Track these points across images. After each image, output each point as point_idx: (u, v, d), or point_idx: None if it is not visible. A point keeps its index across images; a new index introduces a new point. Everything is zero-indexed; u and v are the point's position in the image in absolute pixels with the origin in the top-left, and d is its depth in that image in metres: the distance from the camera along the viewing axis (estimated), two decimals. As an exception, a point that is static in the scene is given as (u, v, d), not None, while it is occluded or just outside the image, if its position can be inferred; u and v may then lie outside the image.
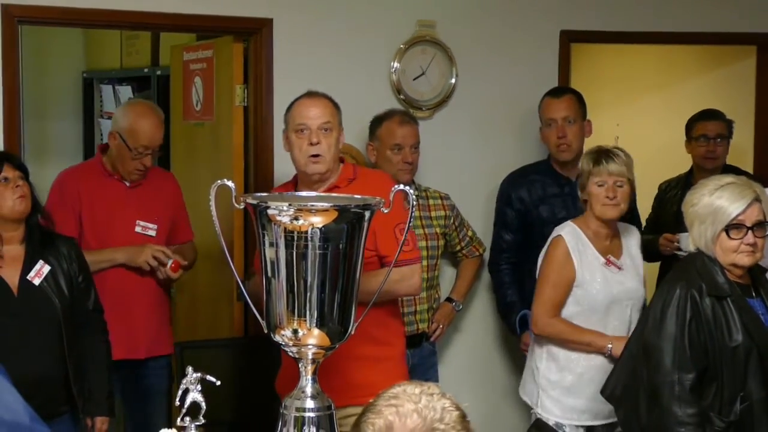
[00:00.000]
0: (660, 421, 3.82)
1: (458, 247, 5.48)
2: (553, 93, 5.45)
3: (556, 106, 5.35)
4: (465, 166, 5.70)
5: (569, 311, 4.55)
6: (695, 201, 3.93)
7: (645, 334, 3.91)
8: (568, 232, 4.56)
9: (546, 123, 5.37)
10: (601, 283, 4.52)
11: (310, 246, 3.17)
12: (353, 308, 3.30)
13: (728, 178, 3.95)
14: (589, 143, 5.53)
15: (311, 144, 4.03)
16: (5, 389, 2.60)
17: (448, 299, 5.48)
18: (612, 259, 4.56)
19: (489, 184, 5.61)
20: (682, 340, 3.79)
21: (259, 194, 3.74)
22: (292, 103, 4.20)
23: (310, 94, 4.19)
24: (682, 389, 3.77)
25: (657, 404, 3.83)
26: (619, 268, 4.57)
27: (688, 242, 4.04)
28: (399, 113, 5.27)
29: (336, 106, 4.16)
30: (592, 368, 4.52)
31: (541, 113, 5.41)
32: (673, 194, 5.86)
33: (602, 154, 4.52)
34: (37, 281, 4.28)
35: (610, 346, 4.46)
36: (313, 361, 3.28)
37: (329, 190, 4.09)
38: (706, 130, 5.83)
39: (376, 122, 5.23)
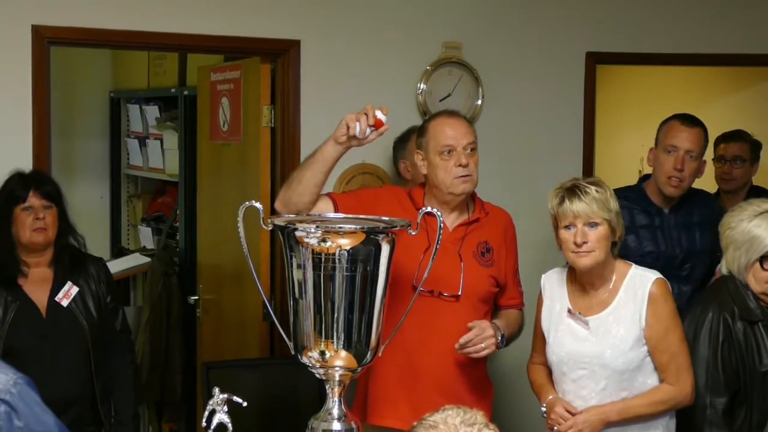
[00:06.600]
0: (692, 444, 3.81)
1: None
2: (684, 119, 4.78)
3: (685, 135, 4.71)
4: (490, 187, 5.66)
5: (550, 361, 3.93)
6: (733, 225, 3.91)
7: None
8: (553, 272, 3.99)
9: (665, 148, 4.72)
10: (558, 336, 3.87)
11: (337, 268, 3.18)
12: (380, 330, 3.31)
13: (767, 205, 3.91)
14: (618, 166, 5.51)
15: (461, 165, 3.95)
16: (35, 402, 2.65)
17: None
18: (574, 312, 3.83)
19: (514, 206, 5.58)
20: (715, 364, 3.78)
21: (287, 216, 3.74)
22: (428, 123, 4.10)
23: (449, 114, 4.12)
24: (714, 413, 3.76)
25: (689, 427, 3.82)
26: (586, 324, 3.80)
27: (720, 265, 4.01)
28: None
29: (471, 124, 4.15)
30: None
31: (663, 135, 4.78)
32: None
33: (567, 192, 3.74)
34: (65, 303, 4.29)
35: (543, 408, 3.87)
36: (340, 382, 3.29)
37: (470, 222, 4.06)
38: (724, 151, 5.89)
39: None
